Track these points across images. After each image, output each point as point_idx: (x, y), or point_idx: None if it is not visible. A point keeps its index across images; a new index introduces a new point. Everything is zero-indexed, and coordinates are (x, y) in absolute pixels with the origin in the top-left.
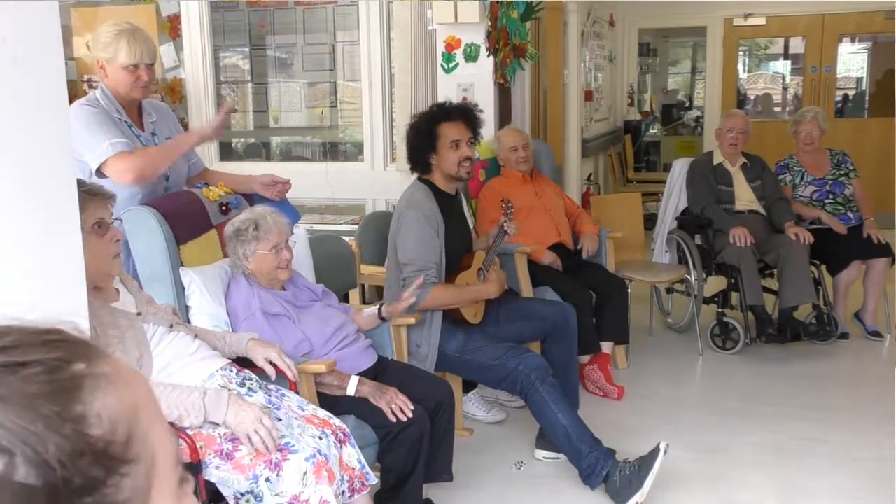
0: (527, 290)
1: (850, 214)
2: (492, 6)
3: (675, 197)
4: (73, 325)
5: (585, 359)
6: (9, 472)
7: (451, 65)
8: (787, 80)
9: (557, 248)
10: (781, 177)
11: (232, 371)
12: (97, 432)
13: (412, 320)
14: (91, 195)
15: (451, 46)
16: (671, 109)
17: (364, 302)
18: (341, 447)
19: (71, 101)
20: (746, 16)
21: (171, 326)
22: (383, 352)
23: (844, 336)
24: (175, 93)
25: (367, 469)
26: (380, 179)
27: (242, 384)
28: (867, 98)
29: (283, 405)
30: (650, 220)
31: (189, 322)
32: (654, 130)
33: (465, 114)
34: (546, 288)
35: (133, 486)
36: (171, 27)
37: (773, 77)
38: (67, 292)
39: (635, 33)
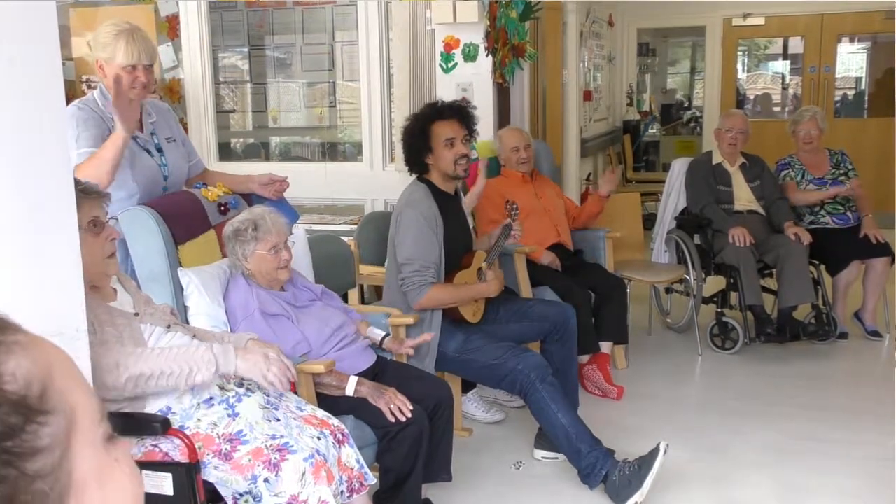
0: (526, 290)
1: (850, 214)
2: (491, 6)
3: (674, 197)
4: None
5: (585, 359)
6: None
7: (449, 65)
8: (787, 79)
9: (557, 248)
10: (784, 172)
11: None
12: (12, 388)
13: (411, 320)
14: (86, 194)
15: (449, 46)
16: (670, 109)
17: (363, 302)
18: (340, 447)
19: (69, 102)
20: (745, 16)
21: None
22: (382, 352)
23: (844, 336)
24: (174, 93)
25: (366, 469)
26: (379, 179)
27: (241, 384)
28: (866, 98)
29: (282, 405)
30: (649, 220)
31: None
32: (654, 130)
33: (458, 111)
34: (545, 288)
35: (52, 433)
36: (170, 27)
37: (773, 77)
38: (65, 290)
39: (634, 33)
